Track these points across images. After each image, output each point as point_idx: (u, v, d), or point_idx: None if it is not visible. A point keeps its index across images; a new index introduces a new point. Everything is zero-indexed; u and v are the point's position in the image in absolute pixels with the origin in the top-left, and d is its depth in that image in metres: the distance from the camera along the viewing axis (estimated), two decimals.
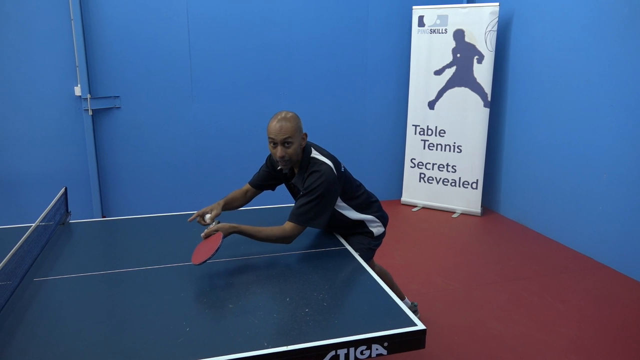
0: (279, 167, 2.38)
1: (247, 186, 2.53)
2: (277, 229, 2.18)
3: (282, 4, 4.66)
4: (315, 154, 2.28)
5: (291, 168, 2.34)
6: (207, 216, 2.26)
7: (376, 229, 2.48)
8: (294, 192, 2.42)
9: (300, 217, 2.18)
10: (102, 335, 1.57)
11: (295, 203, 2.25)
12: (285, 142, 2.16)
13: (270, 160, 2.46)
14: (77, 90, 4.30)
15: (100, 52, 4.33)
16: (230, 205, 2.46)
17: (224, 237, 2.06)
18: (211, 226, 2.11)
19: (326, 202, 2.21)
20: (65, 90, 4.30)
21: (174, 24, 4.45)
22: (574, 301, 3.26)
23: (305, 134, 2.26)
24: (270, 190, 2.57)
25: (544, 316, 3.07)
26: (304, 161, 2.26)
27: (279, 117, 2.19)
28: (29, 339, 1.55)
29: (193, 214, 2.33)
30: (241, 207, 2.53)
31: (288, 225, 2.18)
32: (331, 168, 2.23)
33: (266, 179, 2.49)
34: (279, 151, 2.18)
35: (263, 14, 4.64)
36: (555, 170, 4.27)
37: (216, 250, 1.96)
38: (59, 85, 4.28)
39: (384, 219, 2.53)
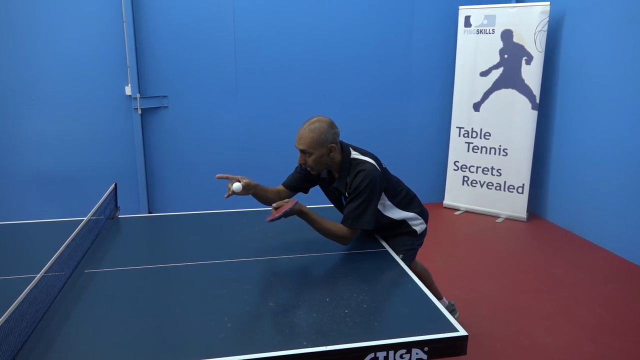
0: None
1: (280, 187, 2.49)
2: (337, 228, 2.19)
3: (327, 4, 4.68)
4: (355, 154, 2.27)
5: (330, 172, 2.33)
6: (237, 184, 2.19)
7: (419, 226, 2.45)
8: (334, 196, 2.39)
9: (356, 221, 2.17)
10: (147, 327, 1.62)
11: (347, 206, 2.21)
12: (303, 152, 2.17)
13: None
14: (128, 90, 4.45)
15: (150, 53, 4.47)
16: (260, 193, 2.35)
17: (291, 214, 2.11)
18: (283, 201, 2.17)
19: (376, 200, 2.22)
20: (117, 89, 4.47)
21: (220, 27, 4.54)
22: (624, 313, 3.12)
23: (333, 146, 2.19)
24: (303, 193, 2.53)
25: (592, 327, 2.95)
26: (345, 164, 2.24)
27: (305, 125, 2.18)
28: (80, 327, 1.62)
29: (236, 211, 2.36)
30: (270, 204, 2.43)
31: (346, 229, 2.19)
32: (374, 165, 2.23)
33: (300, 181, 2.45)
34: (300, 158, 2.20)
35: (308, 14, 4.66)
36: (606, 176, 4.10)
37: (290, 209, 2.05)
38: (111, 85, 4.45)
39: (424, 215, 2.50)
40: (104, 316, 1.69)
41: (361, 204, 2.16)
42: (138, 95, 4.45)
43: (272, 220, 2.11)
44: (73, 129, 4.46)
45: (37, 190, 4.50)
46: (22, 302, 1.54)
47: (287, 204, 2.12)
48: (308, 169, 2.24)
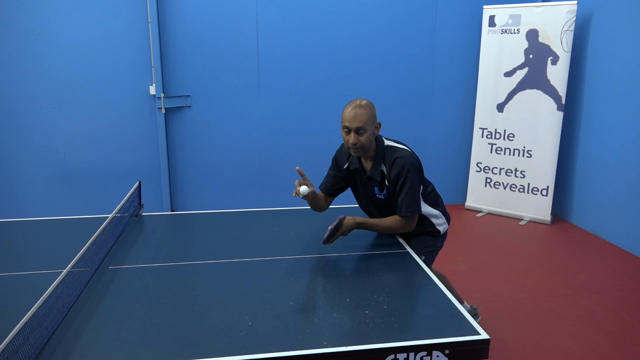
0: (344, 166, 2.38)
1: (321, 194, 2.48)
2: (396, 222, 2.26)
3: (349, 3, 4.67)
4: (388, 142, 2.30)
5: (361, 163, 2.33)
6: (305, 188, 2.20)
7: (442, 226, 2.45)
8: (365, 189, 2.37)
9: (410, 207, 2.22)
10: (169, 324, 1.64)
11: (397, 197, 2.23)
12: (358, 130, 2.16)
13: (335, 160, 2.44)
14: (152, 90, 4.52)
15: (174, 53, 4.53)
16: (316, 201, 2.39)
17: (349, 230, 2.19)
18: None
19: (419, 181, 2.28)
20: (141, 89, 4.54)
21: (243, 27, 4.58)
22: None
23: (379, 123, 2.25)
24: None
25: (618, 334, 2.88)
26: (379, 151, 2.26)
27: (354, 104, 2.19)
28: (104, 322, 1.65)
29: (257, 210, 2.37)
30: (321, 210, 2.48)
31: (405, 219, 2.24)
32: (409, 151, 2.27)
33: (337, 183, 2.45)
34: (351, 138, 2.18)
35: (330, 13, 4.67)
36: (632, 178, 3.99)
37: (330, 229, 2.13)
38: (136, 85, 4.52)
39: (447, 215, 2.50)
40: (127, 312, 1.72)
41: (409, 190, 2.21)
42: (162, 95, 4.51)
43: (327, 242, 2.17)
44: (99, 128, 4.55)
45: (63, 187, 4.60)
46: (49, 296, 1.58)
47: (333, 224, 2.16)
48: (356, 149, 2.20)
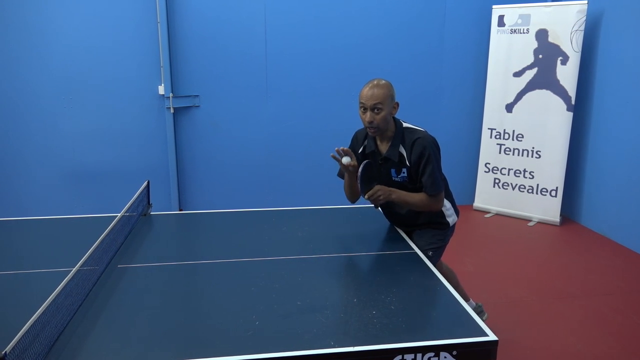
0: (360, 151, 2.38)
1: None
2: (425, 199, 2.27)
3: (357, 3, 4.67)
4: (407, 124, 2.32)
5: (376, 145, 2.33)
6: (347, 158, 2.26)
7: (451, 217, 2.45)
8: (380, 172, 2.35)
9: (434, 186, 2.24)
10: (177, 322, 1.65)
11: (422, 177, 2.25)
12: (374, 108, 2.18)
13: (352, 147, 2.43)
14: (161, 89, 4.54)
15: (182, 53, 4.55)
16: (352, 181, 2.37)
17: (385, 195, 2.22)
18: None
19: (439, 161, 2.29)
20: (150, 89, 4.56)
21: (251, 28, 4.59)
22: None
23: (397, 104, 2.26)
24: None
25: (628, 336, 2.86)
26: (398, 132, 2.27)
27: (372, 83, 2.22)
28: (113, 320, 1.66)
29: (265, 210, 2.37)
30: (354, 197, 2.45)
31: (432, 197, 2.26)
32: (427, 132, 2.29)
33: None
34: (367, 116, 2.20)
35: (338, 14, 4.66)
36: None
37: (358, 176, 2.19)
38: (145, 85, 4.55)
39: (456, 208, 2.51)
40: (136, 310, 1.73)
41: (433, 169, 2.23)
42: (171, 95, 4.53)
43: (366, 195, 2.23)
44: (108, 128, 4.57)
45: (72, 187, 4.64)
46: (59, 294, 1.59)
47: (360, 168, 2.21)
48: (372, 128, 2.22)
